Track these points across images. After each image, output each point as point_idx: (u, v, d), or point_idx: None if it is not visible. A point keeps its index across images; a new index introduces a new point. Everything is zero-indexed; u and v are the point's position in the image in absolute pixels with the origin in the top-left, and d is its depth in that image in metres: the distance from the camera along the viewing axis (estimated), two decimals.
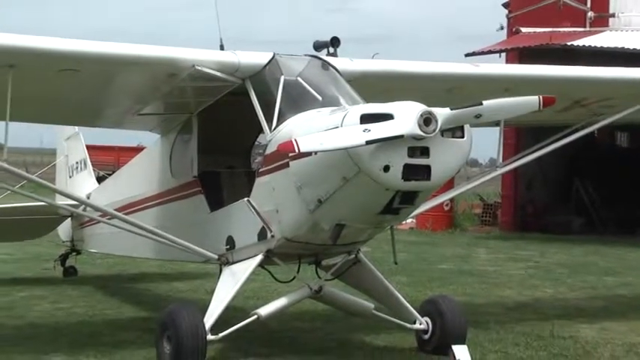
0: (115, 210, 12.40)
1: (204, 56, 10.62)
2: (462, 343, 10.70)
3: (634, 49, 27.11)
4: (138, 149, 28.64)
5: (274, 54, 10.70)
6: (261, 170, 10.22)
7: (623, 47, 27.33)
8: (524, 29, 30.70)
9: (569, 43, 28.14)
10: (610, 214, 32.52)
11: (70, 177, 17.65)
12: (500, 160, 13.00)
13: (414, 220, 27.35)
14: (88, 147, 17.89)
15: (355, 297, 11.11)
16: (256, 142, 10.51)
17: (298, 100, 10.18)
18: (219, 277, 10.66)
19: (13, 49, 9.84)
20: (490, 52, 29.80)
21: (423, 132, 8.72)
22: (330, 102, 10.05)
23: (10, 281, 17.01)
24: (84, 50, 10.16)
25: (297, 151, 8.87)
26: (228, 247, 10.73)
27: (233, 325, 9.97)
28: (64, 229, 16.80)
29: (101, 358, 10.31)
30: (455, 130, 9.03)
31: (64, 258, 17.34)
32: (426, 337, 10.89)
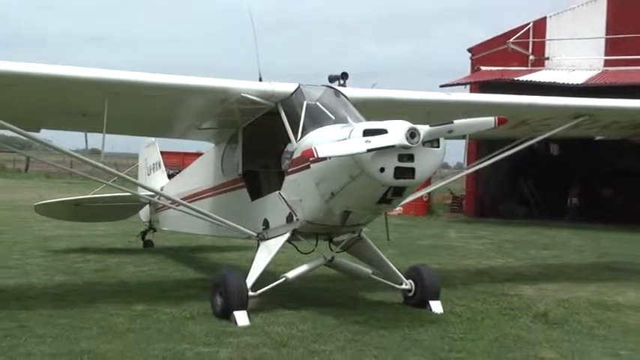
0: (181, 199, 12.39)
1: (248, 86, 10.59)
2: (437, 299, 10.69)
3: (563, 83, 27.05)
4: (197, 154, 28.57)
5: (299, 84, 10.66)
6: (289, 170, 10.16)
7: (555, 82, 27.25)
8: (483, 68, 30.62)
9: (516, 78, 28.04)
10: (544, 204, 32.43)
11: (149, 175, 17.67)
12: (466, 164, 12.96)
13: (401, 208, 27.22)
14: (162, 152, 17.91)
15: (358, 265, 11.08)
16: (285, 149, 10.44)
17: (317, 119, 10.12)
18: (257, 250, 10.62)
19: (108, 80, 9.84)
20: (458, 84, 29.71)
21: (410, 143, 8.69)
22: (340, 120, 10.00)
23: (106, 250, 17.05)
24: (160, 81, 10.14)
25: (316, 156, 8.85)
26: (264, 227, 10.70)
27: (267, 285, 9.95)
28: (144, 213, 16.82)
29: (171, 308, 10.26)
30: (433, 142, 8.98)
31: (143, 234, 17.39)
32: (410, 294, 10.84)
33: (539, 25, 31.12)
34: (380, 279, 10.99)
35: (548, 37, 31.06)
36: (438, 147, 9.04)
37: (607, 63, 29.68)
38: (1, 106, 10.01)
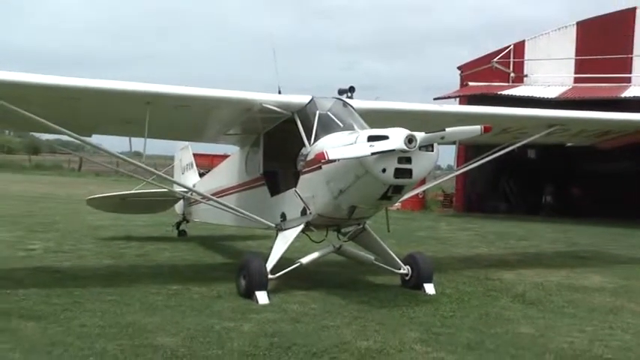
0: (211, 194, 12.40)
1: (269, 98, 10.59)
2: (430, 282, 10.66)
3: (539, 97, 26.94)
4: (224, 156, 28.51)
5: (312, 97, 10.64)
6: (303, 170, 10.16)
7: (532, 96, 27.14)
8: (471, 83, 30.54)
9: (499, 93, 27.96)
10: (523, 201, 32.27)
11: (183, 174, 17.69)
12: (456, 166, 12.92)
13: (400, 204, 27.10)
14: (194, 154, 17.94)
15: (362, 252, 11.06)
16: (300, 153, 10.44)
17: (328, 126, 10.11)
18: (275, 239, 10.61)
19: (149, 92, 9.85)
20: (449, 97, 29.58)
21: (408, 148, 8.68)
22: (348, 127, 9.99)
23: (145, 238, 17.07)
24: (192, 93, 10.15)
25: (327, 158, 8.84)
26: (282, 219, 10.69)
27: (284, 269, 9.96)
28: (179, 206, 16.84)
29: (202, 288, 10.29)
30: (427, 147, 8.96)
31: (178, 224, 17.39)
32: (407, 278, 10.82)
33: (519, 47, 31.07)
34: (381, 264, 10.97)
35: (526, 57, 30.97)
36: (432, 151, 9.02)
37: (576, 80, 29.64)
38: (61, 115, 10.05)
